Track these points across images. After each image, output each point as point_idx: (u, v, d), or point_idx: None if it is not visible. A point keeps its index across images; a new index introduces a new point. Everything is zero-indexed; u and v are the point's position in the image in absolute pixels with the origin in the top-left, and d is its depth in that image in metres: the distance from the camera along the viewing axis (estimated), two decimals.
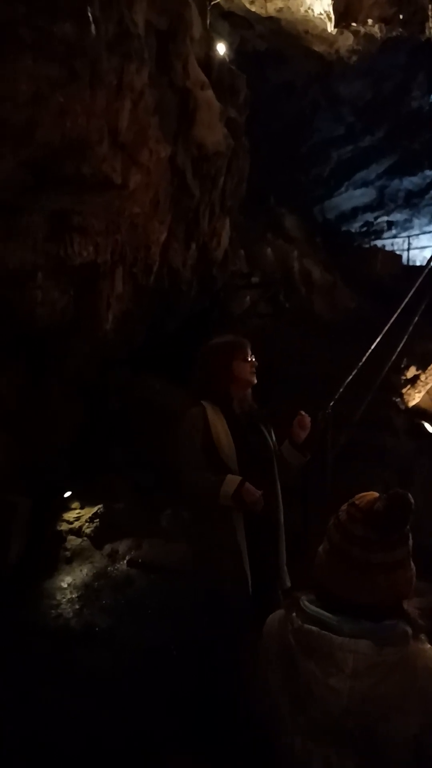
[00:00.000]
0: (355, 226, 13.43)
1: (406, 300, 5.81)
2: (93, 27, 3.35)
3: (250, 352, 2.46)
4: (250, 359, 2.45)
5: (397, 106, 9.32)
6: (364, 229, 13.40)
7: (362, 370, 4.63)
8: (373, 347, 4.87)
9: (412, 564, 1.06)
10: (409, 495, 1.03)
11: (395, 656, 0.98)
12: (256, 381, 2.46)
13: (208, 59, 5.81)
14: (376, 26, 6.09)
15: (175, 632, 3.12)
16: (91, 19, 3.32)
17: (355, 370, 4.44)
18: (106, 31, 3.61)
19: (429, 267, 6.60)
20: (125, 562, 3.95)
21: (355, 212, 13.00)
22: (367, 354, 4.74)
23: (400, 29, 6.16)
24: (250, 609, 2.39)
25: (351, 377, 4.33)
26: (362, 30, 6.15)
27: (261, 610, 2.41)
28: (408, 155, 10.69)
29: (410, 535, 1.05)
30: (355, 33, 6.26)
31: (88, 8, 3.30)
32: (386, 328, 5.21)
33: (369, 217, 13.37)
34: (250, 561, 2.26)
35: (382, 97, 9.09)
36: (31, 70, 3.19)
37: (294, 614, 1.07)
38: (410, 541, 1.06)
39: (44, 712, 2.64)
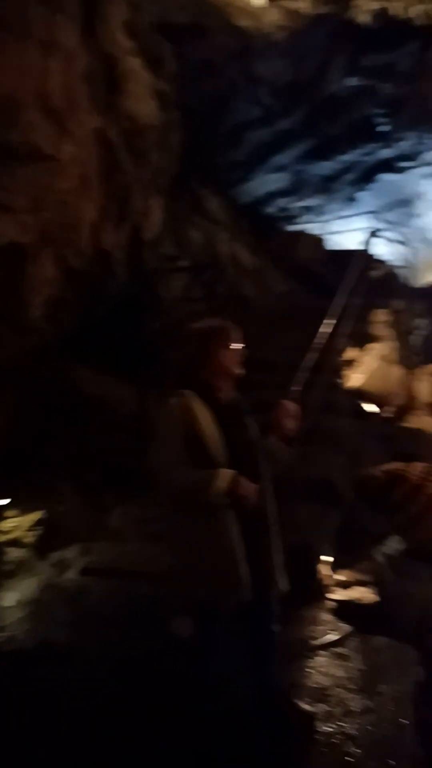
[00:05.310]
0: (271, 211, 13.47)
1: (343, 285, 5.86)
2: None
3: (234, 338, 2.24)
4: (235, 347, 2.23)
5: (316, 89, 9.34)
6: (282, 213, 13.48)
7: (303, 354, 4.62)
8: (317, 333, 4.85)
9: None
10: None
11: None
12: (240, 371, 2.25)
13: (133, 27, 5.43)
14: (304, 2, 6.04)
15: (149, 641, 2.87)
16: None
17: (307, 354, 4.38)
18: None
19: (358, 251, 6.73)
20: (77, 570, 3.64)
21: (271, 197, 13.03)
22: (314, 339, 4.72)
23: (327, 6, 6.15)
24: (242, 615, 2.23)
25: (303, 362, 4.27)
26: (289, 5, 6.08)
27: (254, 616, 2.25)
28: (324, 140, 10.79)
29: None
30: (282, 8, 6.17)
31: None
32: (328, 312, 5.21)
33: (283, 202, 13.46)
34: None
35: (300, 78, 9.06)
36: None
37: None
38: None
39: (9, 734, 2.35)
